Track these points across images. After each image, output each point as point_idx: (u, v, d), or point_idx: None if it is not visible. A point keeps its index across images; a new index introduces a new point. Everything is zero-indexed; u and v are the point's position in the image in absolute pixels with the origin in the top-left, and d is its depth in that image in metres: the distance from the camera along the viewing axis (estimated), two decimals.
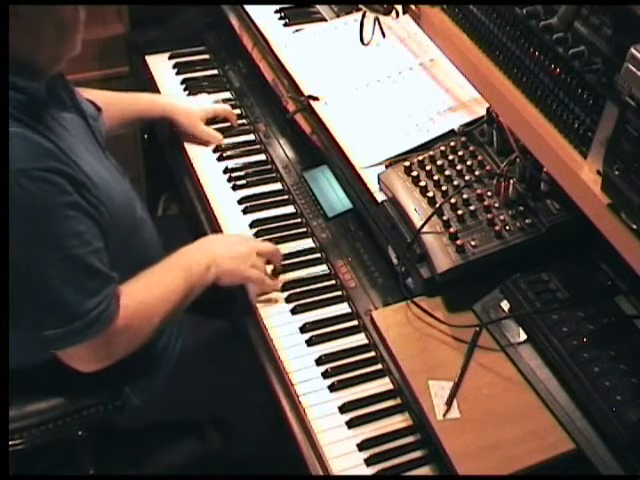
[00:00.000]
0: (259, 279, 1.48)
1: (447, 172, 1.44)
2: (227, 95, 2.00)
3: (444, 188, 1.40)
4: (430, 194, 1.40)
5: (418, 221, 1.37)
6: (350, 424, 1.32)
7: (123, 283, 1.35)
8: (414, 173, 1.44)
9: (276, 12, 1.99)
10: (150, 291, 1.38)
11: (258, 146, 1.86)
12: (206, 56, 2.14)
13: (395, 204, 1.44)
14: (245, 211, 1.69)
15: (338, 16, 1.95)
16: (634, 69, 0.89)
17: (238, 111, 1.94)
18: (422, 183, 1.42)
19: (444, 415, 1.21)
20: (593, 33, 1.00)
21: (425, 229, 1.35)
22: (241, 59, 2.07)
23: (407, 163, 1.47)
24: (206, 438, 1.68)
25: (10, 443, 1.37)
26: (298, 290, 1.53)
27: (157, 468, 1.62)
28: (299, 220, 1.68)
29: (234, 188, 1.74)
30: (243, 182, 1.76)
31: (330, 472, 1.25)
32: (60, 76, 1.33)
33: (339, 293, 1.52)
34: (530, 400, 1.22)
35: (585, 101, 1.05)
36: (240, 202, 1.71)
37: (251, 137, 1.89)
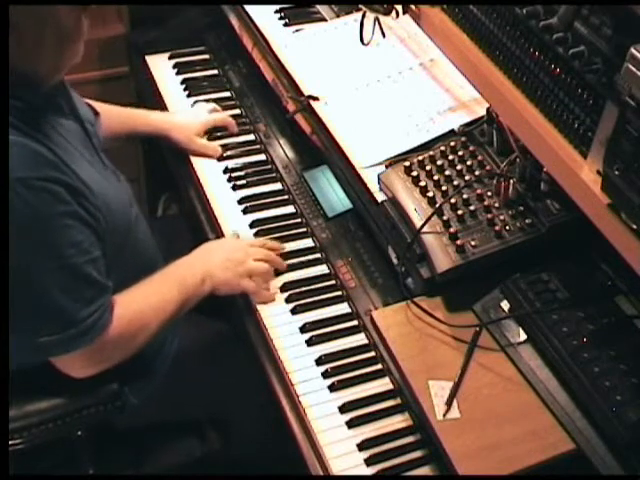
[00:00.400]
0: (254, 291, 1.50)
1: (447, 172, 1.44)
2: (227, 95, 2.00)
3: (444, 188, 1.40)
4: (430, 194, 1.40)
5: (418, 221, 1.37)
6: (350, 424, 1.32)
7: (119, 284, 1.35)
8: (414, 173, 1.44)
9: (276, 12, 1.98)
10: (146, 300, 1.39)
11: (258, 146, 1.86)
12: (206, 56, 2.14)
13: (395, 204, 1.44)
14: (245, 211, 1.69)
15: (338, 16, 1.95)
16: (634, 69, 0.89)
17: (238, 111, 1.94)
18: (422, 183, 1.42)
19: (444, 415, 1.21)
20: (593, 33, 1.00)
21: (425, 229, 1.35)
22: (241, 59, 2.07)
23: (407, 163, 1.47)
24: (206, 438, 1.68)
25: (10, 443, 1.37)
26: (298, 290, 1.53)
27: (157, 468, 1.62)
28: (299, 220, 1.68)
29: (234, 188, 1.74)
30: (243, 182, 1.76)
31: (330, 472, 1.25)
32: (60, 83, 1.32)
33: (339, 293, 1.52)
34: (530, 400, 1.22)
35: (585, 101, 1.05)
36: (240, 202, 1.71)
37: (251, 137, 1.89)
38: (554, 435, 1.18)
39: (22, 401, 1.39)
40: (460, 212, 1.36)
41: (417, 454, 1.29)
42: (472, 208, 1.37)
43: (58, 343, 1.26)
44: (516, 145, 1.38)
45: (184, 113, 1.90)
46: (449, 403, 1.22)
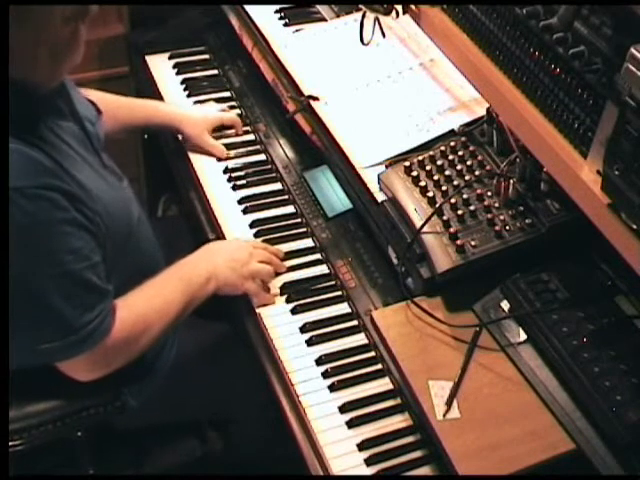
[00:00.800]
0: (256, 293, 1.50)
1: (447, 172, 1.44)
2: (227, 95, 2.00)
3: (444, 188, 1.40)
4: (430, 194, 1.40)
5: (418, 221, 1.37)
6: (350, 424, 1.32)
7: (120, 286, 1.35)
8: (414, 173, 1.44)
9: (276, 12, 1.98)
10: (149, 303, 1.39)
11: (258, 146, 1.86)
12: (206, 56, 2.14)
13: (395, 204, 1.44)
14: (245, 211, 1.69)
15: (338, 16, 1.95)
16: (634, 69, 0.89)
17: (238, 111, 1.94)
18: (422, 183, 1.42)
19: (444, 415, 1.21)
20: (593, 33, 1.00)
21: (425, 229, 1.35)
22: (241, 59, 2.07)
23: (407, 163, 1.47)
24: (206, 438, 1.68)
25: (10, 444, 1.37)
26: (298, 290, 1.53)
27: (157, 468, 1.62)
28: (299, 220, 1.68)
29: (234, 188, 1.74)
30: (243, 182, 1.76)
31: (330, 472, 1.25)
32: (60, 84, 1.30)
33: (339, 293, 1.52)
34: (530, 400, 1.22)
35: (585, 101, 1.05)
36: (240, 202, 1.71)
37: (251, 137, 1.89)
38: (554, 435, 1.18)
39: (22, 402, 1.39)
40: (460, 212, 1.36)
41: (417, 454, 1.29)
42: (472, 208, 1.37)
43: (59, 350, 1.26)
44: (516, 145, 1.38)
45: (196, 108, 1.91)
46: (449, 403, 1.22)
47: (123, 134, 1.78)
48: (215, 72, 2.09)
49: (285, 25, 1.94)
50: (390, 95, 1.68)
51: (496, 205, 1.38)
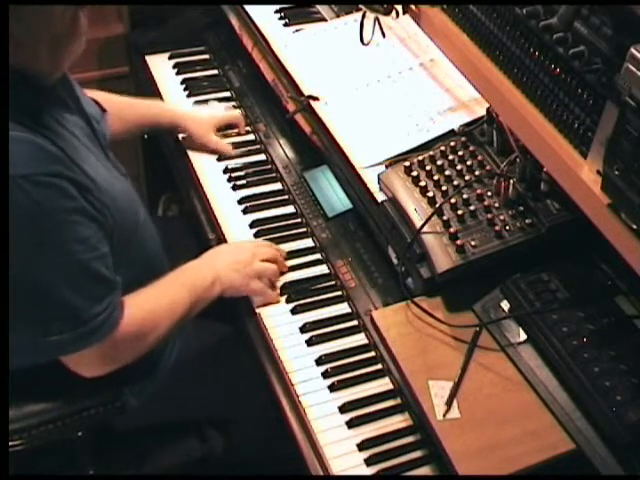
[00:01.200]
0: (262, 292, 1.50)
1: (447, 172, 1.44)
2: (227, 95, 2.00)
3: (444, 188, 1.40)
4: (430, 194, 1.40)
5: (418, 221, 1.37)
6: (350, 424, 1.32)
7: (126, 282, 1.34)
8: (414, 173, 1.44)
9: (276, 12, 1.98)
10: (157, 301, 1.39)
11: (258, 146, 1.86)
12: (206, 56, 2.14)
13: (395, 204, 1.44)
14: (245, 211, 1.69)
15: (338, 16, 1.95)
16: (634, 69, 0.89)
17: (238, 111, 1.94)
18: (422, 183, 1.42)
19: (444, 415, 1.21)
20: (593, 33, 1.00)
21: (425, 229, 1.35)
22: (241, 59, 2.07)
23: (407, 163, 1.47)
24: (206, 438, 1.68)
25: (10, 444, 1.37)
26: (298, 290, 1.53)
27: (157, 469, 1.62)
28: (299, 220, 1.68)
29: (234, 188, 1.75)
30: (243, 182, 1.76)
31: (330, 472, 1.25)
32: (63, 77, 1.31)
33: (339, 293, 1.52)
34: (530, 400, 1.22)
35: (585, 101, 1.05)
36: (240, 202, 1.71)
37: (251, 137, 1.89)
38: (554, 435, 1.18)
39: (22, 402, 1.39)
40: (460, 212, 1.36)
41: (417, 454, 1.29)
42: (472, 208, 1.37)
43: (69, 341, 1.25)
44: (516, 145, 1.38)
45: (200, 108, 1.91)
46: (449, 403, 1.22)
47: (130, 134, 1.78)
48: (215, 72, 2.09)
49: (285, 25, 1.94)
50: (390, 95, 1.68)
51: (496, 205, 1.38)
